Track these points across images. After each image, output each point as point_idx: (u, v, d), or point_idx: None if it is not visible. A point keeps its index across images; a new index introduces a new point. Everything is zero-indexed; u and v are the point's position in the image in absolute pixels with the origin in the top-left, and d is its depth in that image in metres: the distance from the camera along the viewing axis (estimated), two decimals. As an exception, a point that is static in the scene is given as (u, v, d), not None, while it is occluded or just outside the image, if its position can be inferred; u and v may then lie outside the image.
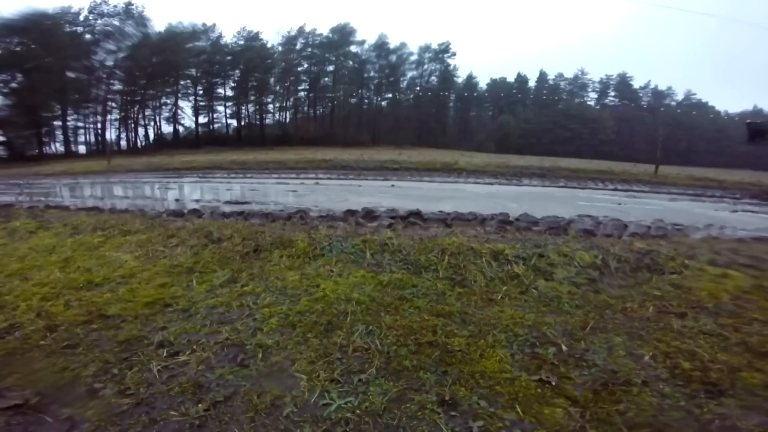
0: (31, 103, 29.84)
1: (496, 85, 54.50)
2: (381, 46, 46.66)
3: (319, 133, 41.48)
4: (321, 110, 47.67)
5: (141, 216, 4.18)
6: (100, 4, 35.75)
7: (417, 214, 4.36)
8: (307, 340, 1.71)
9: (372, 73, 48.00)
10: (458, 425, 1.26)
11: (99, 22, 35.92)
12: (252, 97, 43.91)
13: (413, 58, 48.25)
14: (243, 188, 8.57)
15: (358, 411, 1.32)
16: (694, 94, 50.91)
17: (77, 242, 3.01)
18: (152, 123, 41.61)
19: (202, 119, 43.63)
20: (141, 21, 36.79)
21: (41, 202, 6.10)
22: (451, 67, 49.73)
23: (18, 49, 30.75)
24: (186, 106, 42.45)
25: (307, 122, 45.04)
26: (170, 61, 37.72)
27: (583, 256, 2.43)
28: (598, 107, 51.51)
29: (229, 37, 44.07)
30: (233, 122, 44.67)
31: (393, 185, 9.02)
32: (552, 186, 10.27)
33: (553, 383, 1.44)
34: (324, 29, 45.46)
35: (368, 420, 1.28)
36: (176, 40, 38.65)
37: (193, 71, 41.45)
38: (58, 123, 35.48)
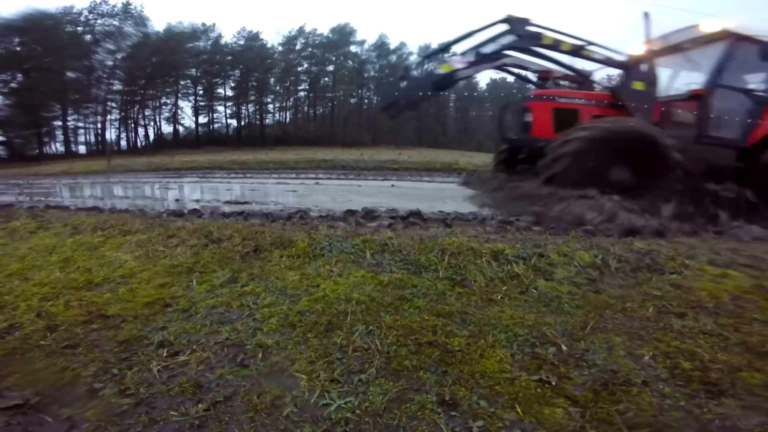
0: (31, 103, 29.86)
1: (497, 85, 54.51)
2: (381, 46, 46.78)
3: (319, 133, 41.50)
4: (321, 110, 47.73)
5: (141, 216, 4.18)
6: (100, 3, 35.80)
7: (417, 214, 4.36)
8: (307, 340, 1.71)
9: (372, 73, 48.04)
10: (458, 425, 1.26)
11: (99, 22, 35.95)
12: (252, 97, 43.94)
13: (413, 58, 48.31)
14: (243, 188, 8.57)
15: (358, 411, 1.32)
16: (694, 93, 50.83)
17: (77, 242, 3.01)
18: (152, 123, 41.64)
19: (202, 119, 43.69)
20: (140, 21, 36.84)
21: (41, 202, 6.09)
22: (452, 67, 49.67)
23: (18, 49, 30.77)
24: (186, 106, 42.51)
25: (307, 122, 45.06)
26: (170, 61, 37.77)
27: (583, 256, 2.43)
28: (598, 107, 51.46)
29: (229, 37, 44.20)
30: (233, 122, 44.74)
31: (393, 185, 9.01)
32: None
33: (553, 383, 1.44)
34: (324, 29, 45.58)
35: (368, 420, 1.28)
36: (176, 40, 38.70)
37: (193, 71, 41.48)
38: (58, 123, 35.54)
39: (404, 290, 2.11)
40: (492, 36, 5.14)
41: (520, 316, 1.89)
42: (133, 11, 36.63)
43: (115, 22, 36.10)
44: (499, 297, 2.07)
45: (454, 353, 1.61)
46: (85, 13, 35.40)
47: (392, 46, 46.89)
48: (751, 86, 5.37)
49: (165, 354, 1.63)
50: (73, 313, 1.95)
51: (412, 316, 1.86)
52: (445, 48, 5.66)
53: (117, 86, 37.80)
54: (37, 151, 32.02)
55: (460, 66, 5.10)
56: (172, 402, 1.37)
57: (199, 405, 1.34)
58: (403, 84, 5.46)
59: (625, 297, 2.08)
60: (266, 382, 1.46)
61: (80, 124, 37.51)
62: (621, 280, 2.25)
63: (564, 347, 1.65)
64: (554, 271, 2.30)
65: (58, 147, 35.70)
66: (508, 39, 5.06)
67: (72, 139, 37.08)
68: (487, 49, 5.14)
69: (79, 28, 35.21)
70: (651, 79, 5.23)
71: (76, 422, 1.30)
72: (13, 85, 31.34)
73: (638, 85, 5.08)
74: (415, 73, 5.42)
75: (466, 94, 53.29)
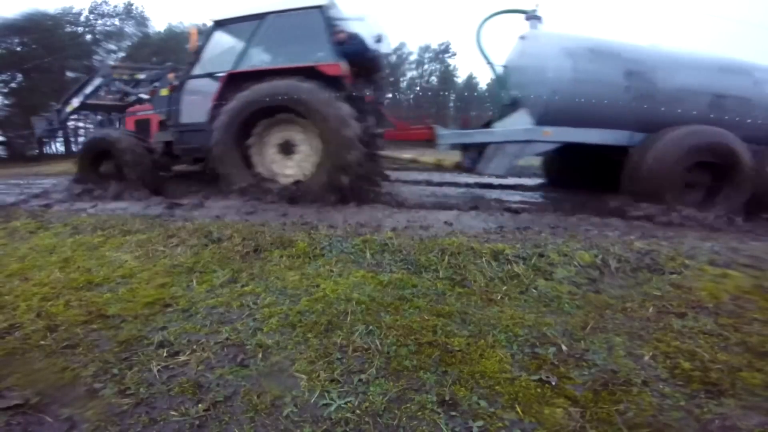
0: (31, 103, 29.83)
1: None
2: (381, 46, 46.62)
3: (319, 133, 41.48)
4: (321, 110, 47.64)
5: (141, 216, 4.17)
6: (101, 4, 35.81)
7: (417, 214, 4.36)
8: (307, 340, 1.71)
9: (372, 73, 47.95)
10: (458, 425, 1.26)
11: (99, 22, 35.97)
12: (252, 97, 43.85)
13: (413, 58, 48.29)
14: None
15: (358, 411, 1.32)
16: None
17: (77, 242, 3.01)
18: (152, 123, 41.56)
19: (202, 119, 43.59)
20: (141, 21, 36.90)
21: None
22: (451, 67, 49.87)
23: (18, 49, 30.80)
24: (186, 106, 42.37)
25: (307, 122, 44.99)
26: (170, 61, 37.72)
27: (583, 256, 2.43)
28: (598, 107, 51.43)
29: (229, 37, 44.06)
30: (233, 122, 44.61)
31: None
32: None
33: (553, 383, 1.44)
34: (324, 29, 45.42)
35: (368, 420, 1.28)
36: (176, 40, 38.67)
37: (194, 71, 41.41)
38: (58, 123, 35.42)
39: (404, 290, 2.11)
40: (89, 80, 6.72)
41: (520, 316, 1.89)
42: (135, 12, 36.68)
43: (116, 22, 36.12)
44: (499, 297, 2.07)
45: (454, 353, 1.60)
46: (86, 13, 35.44)
47: (392, 47, 46.96)
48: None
49: (165, 354, 1.63)
50: (73, 313, 1.95)
51: (412, 316, 1.86)
52: (88, 96, 6.80)
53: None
54: (37, 151, 32.00)
55: (76, 104, 6.62)
56: (172, 402, 1.37)
57: (199, 405, 1.34)
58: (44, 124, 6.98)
59: (625, 297, 2.08)
60: (266, 382, 1.46)
61: (80, 124, 37.51)
62: (621, 280, 2.25)
63: (564, 347, 1.65)
64: (554, 271, 2.30)
65: (58, 147, 35.68)
66: (98, 80, 6.59)
67: (72, 139, 37.06)
68: (88, 90, 6.58)
69: (79, 29, 35.19)
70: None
71: (76, 422, 1.30)
72: (13, 85, 31.36)
73: (164, 92, 5.83)
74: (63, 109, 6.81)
75: (466, 93, 53.26)
